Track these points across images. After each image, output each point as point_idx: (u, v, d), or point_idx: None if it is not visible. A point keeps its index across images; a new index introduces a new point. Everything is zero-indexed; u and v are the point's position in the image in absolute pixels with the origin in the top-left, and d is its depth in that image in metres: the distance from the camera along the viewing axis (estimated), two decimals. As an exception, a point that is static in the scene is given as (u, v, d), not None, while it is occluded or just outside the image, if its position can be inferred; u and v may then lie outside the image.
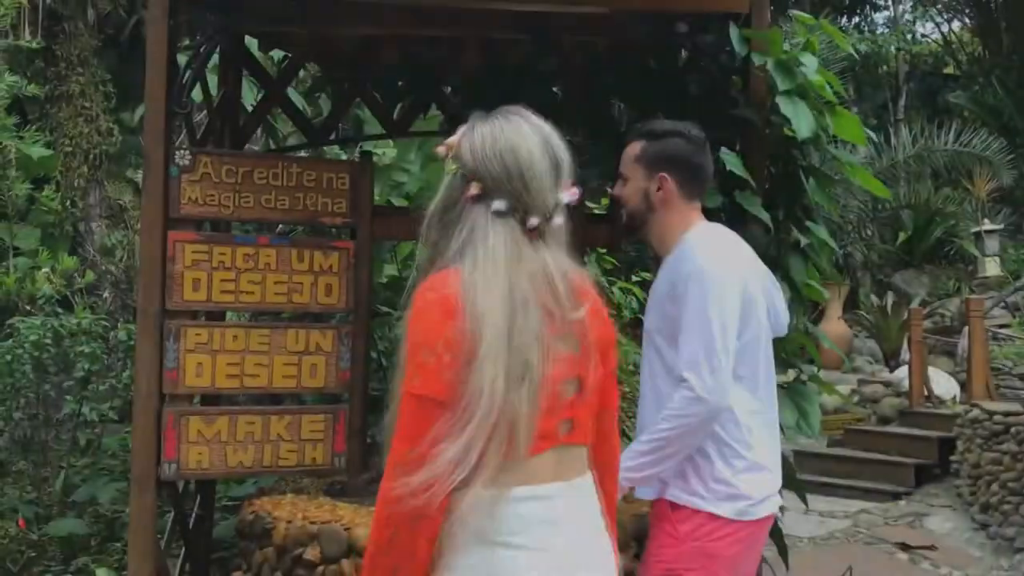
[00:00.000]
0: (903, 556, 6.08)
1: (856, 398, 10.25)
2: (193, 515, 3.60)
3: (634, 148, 2.38)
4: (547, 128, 1.61)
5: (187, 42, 3.67)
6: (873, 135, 3.33)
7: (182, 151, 3.10)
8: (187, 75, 3.11)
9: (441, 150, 1.64)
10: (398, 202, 7.80)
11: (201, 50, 3.15)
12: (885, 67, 16.51)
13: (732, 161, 2.88)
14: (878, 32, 16.02)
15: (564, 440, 1.57)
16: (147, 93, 3.05)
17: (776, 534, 3.43)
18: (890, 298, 12.46)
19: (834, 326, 12.67)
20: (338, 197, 3.24)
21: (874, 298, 12.74)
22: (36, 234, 7.75)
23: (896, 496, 7.36)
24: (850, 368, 12.11)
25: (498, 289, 1.50)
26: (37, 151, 7.59)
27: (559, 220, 1.58)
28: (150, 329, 3.02)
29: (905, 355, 10.06)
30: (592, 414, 1.63)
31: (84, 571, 3.83)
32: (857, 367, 12.05)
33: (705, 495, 2.21)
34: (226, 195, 3.15)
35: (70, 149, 7.96)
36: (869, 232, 13.91)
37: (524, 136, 1.58)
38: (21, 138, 4.91)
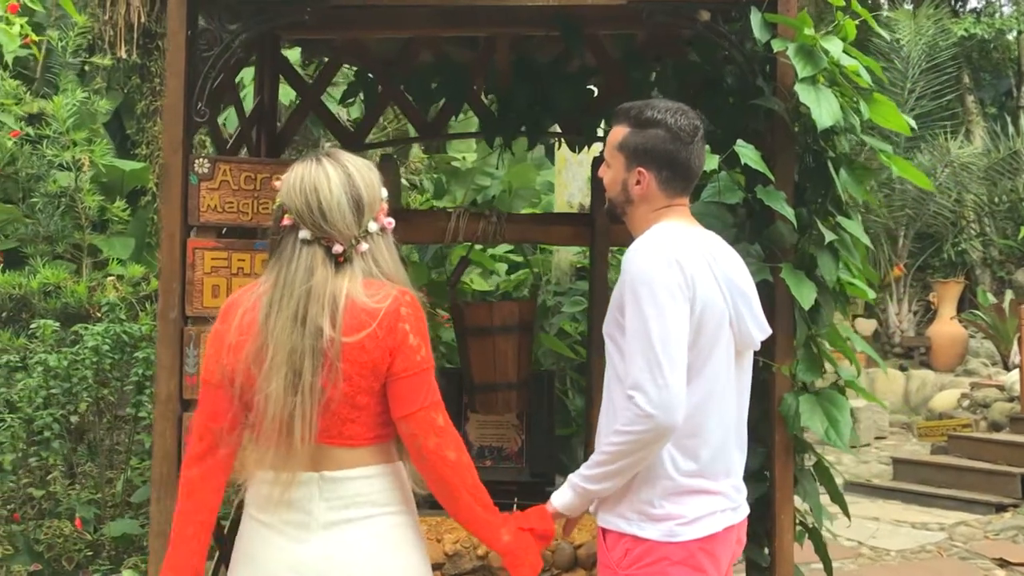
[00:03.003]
0: (1001, 573, 5.68)
1: (966, 403, 9.71)
2: (230, 519, 3.64)
3: (617, 133, 2.21)
4: (355, 169, 1.90)
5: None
6: (920, 128, 3.09)
7: (201, 159, 3.14)
8: (206, 85, 3.14)
9: (276, 184, 1.95)
10: (483, 205, 7.82)
11: (221, 60, 3.16)
12: (1006, 52, 15.61)
13: (748, 154, 2.73)
14: (996, 16, 15.12)
15: (315, 440, 1.84)
16: (166, 103, 3.12)
17: (820, 549, 3.24)
18: (1009, 296, 11.74)
19: (947, 327, 12.07)
20: (357, 201, 3.23)
21: (990, 296, 12.04)
22: (130, 244, 8.05)
23: (1000, 508, 6.90)
24: (963, 371, 11.50)
25: (289, 310, 1.82)
26: (129, 164, 7.90)
27: (366, 246, 1.88)
28: (169, 335, 3.06)
29: (1016, 357, 9.46)
30: (347, 420, 1.86)
31: (135, 570, 3.94)
32: (971, 369, 11.43)
33: (630, 516, 2.07)
34: (245, 202, 3.17)
35: (164, 161, 8.24)
36: (987, 227, 13.21)
37: (327, 176, 1.87)
38: (92, 151, 5.10)
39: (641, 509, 2.07)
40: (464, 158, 8.78)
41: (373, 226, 1.90)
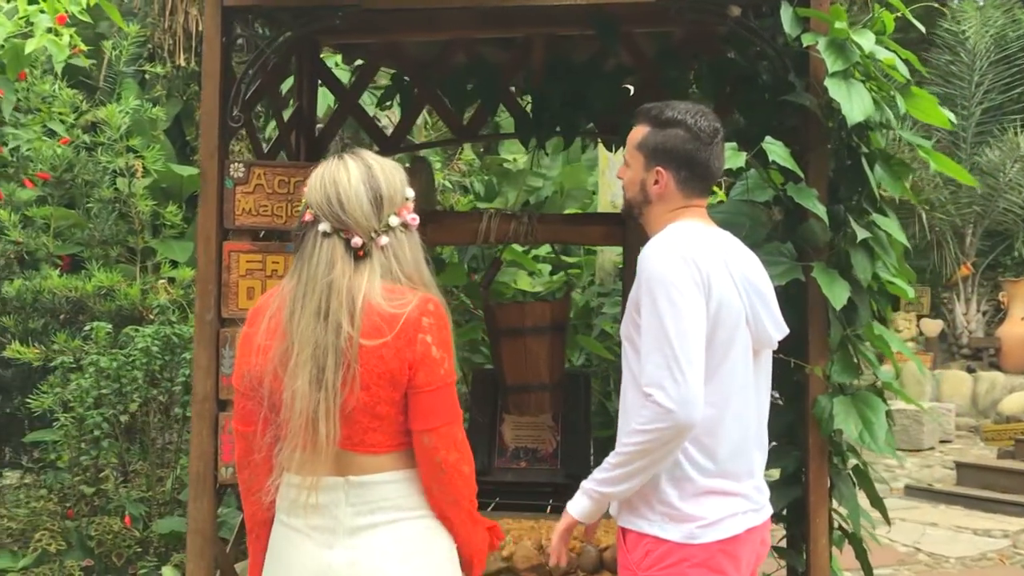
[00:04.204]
0: (1066, 582, 5.49)
1: (1037, 405, 9.42)
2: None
3: (637, 133, 2.22)
4: (376, 164, 1.91)
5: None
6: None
7: (236, 164, 3.20)
8: (241, 90, 3.19)
9: (304, 190, 1.97)
10: (536, 205, 7.82)
11: (255, 66, 3.22)
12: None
13: (777, 151, 2.68)
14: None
15: (337, 445, 1.83)
16: (202, 108, 3.18)
17: (860, 554, 3.16)
18: (1084, 295, 11.35)
19: (1018, 327, 11.71)
20: (389, 203, 3.25)
21: (1065, 295, 11.65)
22: (189, 247, 8.22)
23: (1068, 515, 6.67)
24: (1034, 373, 11.15)
25: (312, 306, 1.82)
26: (187, 170, 8.08)
27: (385, 240, 1.87)
28: (206, 336, 3.13)
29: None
30: (368, 429, 1.85)
31: (178, 568, 4.02)
32: (1044, 371, 11.07)
33: (651, 517, 2.06)
34: (279, 205, 3.22)
35: (200, 166, 8.40)
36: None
37: (347, 170, 1.89)
38: (143, 157, 5.24)
39: (663, 510, 2.06)
40: (515, 159, 8.78)
41: (394, 220, 1.89)
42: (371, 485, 1.86)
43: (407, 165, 3.44)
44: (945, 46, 12.36)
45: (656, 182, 2.17)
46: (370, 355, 1.81)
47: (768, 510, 2.21)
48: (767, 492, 2.23)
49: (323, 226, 1.86)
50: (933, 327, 12.41)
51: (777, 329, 2.20)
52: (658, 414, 1.95)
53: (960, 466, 7.86)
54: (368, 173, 1.89)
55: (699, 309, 2.00)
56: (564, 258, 6.62)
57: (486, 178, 8.42)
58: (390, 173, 1.92)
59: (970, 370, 11.67)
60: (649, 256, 2.06)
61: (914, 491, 7.56)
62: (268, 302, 1.95)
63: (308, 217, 1.89)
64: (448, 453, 1.85)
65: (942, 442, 9.88)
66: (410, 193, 1.96)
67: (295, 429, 1.81)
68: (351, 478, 1.86)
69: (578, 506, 2.13)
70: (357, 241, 1.85)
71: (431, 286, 1.92)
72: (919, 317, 12.41)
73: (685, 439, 2.00)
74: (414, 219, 1.93)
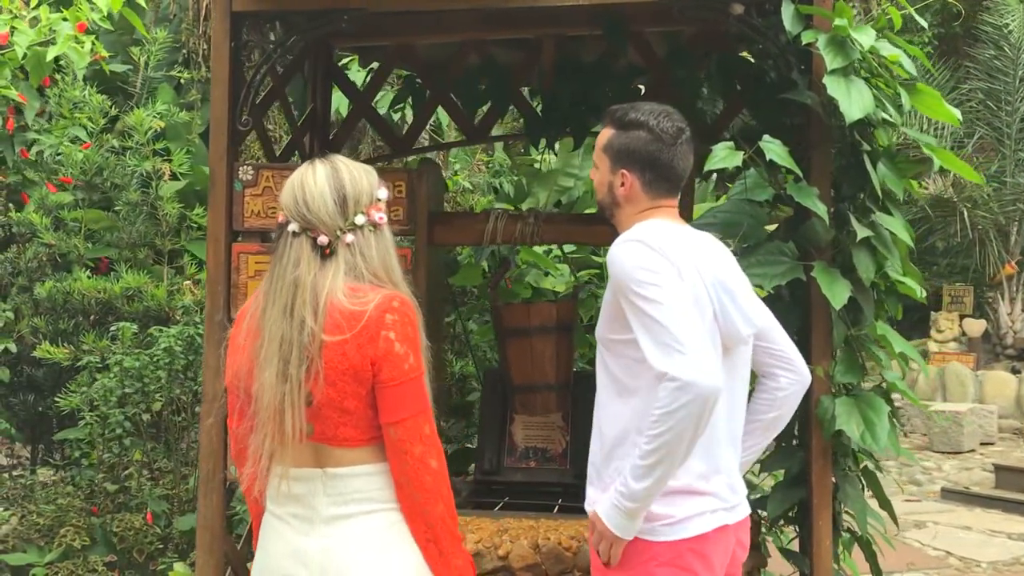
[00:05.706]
0: (1102, 588, 5.36)
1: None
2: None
3: (603, 135, 2.22)
4: (344, 166, 1.98)
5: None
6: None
7: (245, 167, 3.25)
8: (250, 94, 3.24)
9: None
10: (566, 206, 7.81)
11: (263, 70, 3.27)
12: None
13: (774, 150, 2.66)
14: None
15: (311, 439, 1.91)
16: (211, 112, 3.23)
17: (870, 557, 3.13)
18: None
19: (1064, 327, 11.43)
20: (396, 205, 3.28)
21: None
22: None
23: (1108, 519, 6.51)
24: (1081, 374, 10.88)
25: (280, 302, 1.89)
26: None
27: (351, 238, 1.93)
28: (215, 336, 3.19)
29: None
30: (339, 423, 1.90)
31: (194, 567, 4.09)
32: (1093, 373, 10.81)
33: None
34: (287, 207, 3.26)
35: (209, 169, 8.50)
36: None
37: (314, 173, 1.96)
38: (169, 160, 5.34)
39: None
40: (546, 159, 8.77)
41: (360, 219, 1.95)
42: (347, 477, 1.91)
43: (415, 168, 3.47)
44: (989, 41, 12.12)
45: (622, 184, 2.18)
46: (332, 351, 1.86)
47: (744, 509, 2.18)
48: (743, 491, 2.19)
49: (292, 226, 1.93)
50: (976, 327, 12.17)
51: (747, 324, 2.16)
52: (679, 387, 1.86)
53: (999, 469, 7.72)
54: (334, 175, 1.95)
55: (677, 284, 1.98)
56: (594, 258, 6.60)
57: (515, 179, 8.43)
58: (357, 175, 1.98)
59: (1015, 371, 11.44)
60: (616, 253, 2.05)
61: (950, 494, 7.43)
62: (251, 303, 2.02)
63: (280, 219, 1.97)
64: (414, 445, 1.88)
65: (983, 444, 9.70)
66: (383, 195, 2.01)
67: (263, 420, 1.88)
68: (328, 470, 1.92)
69: (629, 526, 2.00)
70: (323, 240, 1.91)
71: (400, 284, 1.96)
72: (962, 317, 12.18)
73: (713, 407, 1.89)
74: (382, 218, 1.98)
